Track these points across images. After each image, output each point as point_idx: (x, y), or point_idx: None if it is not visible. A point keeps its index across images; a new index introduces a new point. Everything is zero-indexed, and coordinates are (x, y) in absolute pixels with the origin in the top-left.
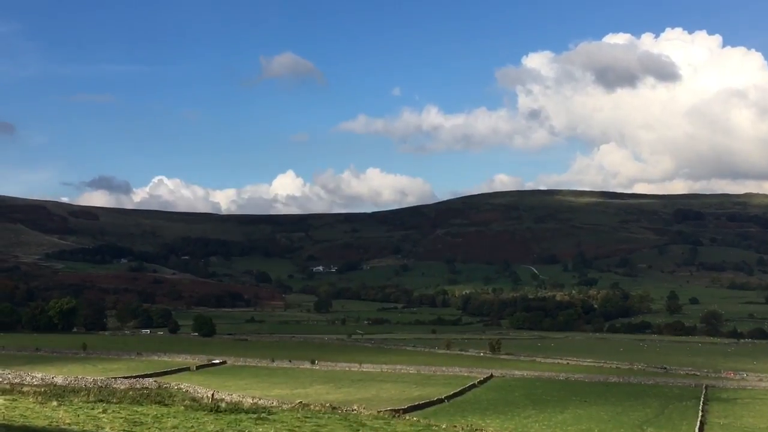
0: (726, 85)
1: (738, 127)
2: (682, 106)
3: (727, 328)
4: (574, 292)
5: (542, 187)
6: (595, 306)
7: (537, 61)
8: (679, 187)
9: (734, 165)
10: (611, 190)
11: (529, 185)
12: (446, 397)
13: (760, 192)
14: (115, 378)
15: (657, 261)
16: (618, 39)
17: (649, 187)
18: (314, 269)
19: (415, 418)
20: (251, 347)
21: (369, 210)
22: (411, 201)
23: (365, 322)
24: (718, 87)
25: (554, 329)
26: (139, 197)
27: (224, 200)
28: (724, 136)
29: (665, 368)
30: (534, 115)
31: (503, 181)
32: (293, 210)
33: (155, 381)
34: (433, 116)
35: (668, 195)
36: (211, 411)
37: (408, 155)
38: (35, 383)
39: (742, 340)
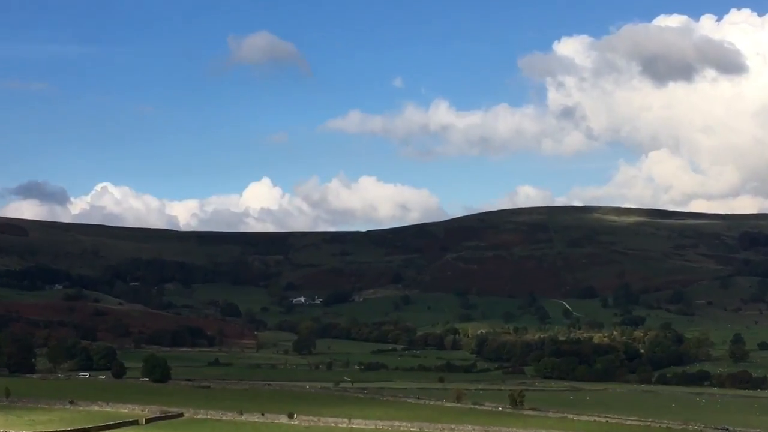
0: None
1: None
2: (749, 104)
3: None
4: (615, 333)
5: (577, 203)
6: (642, 351)
7: (571, 47)
8: (745, 204)
9: None
10: (662, 208)
11: (561, 200)
12: None
13: None
14: None
15: (718, 296)
16: (671, 21)
17: (710, 205)
18: (294, 301)
19: None
20: (215, 396)
21: (362, 228)
22: (414, 218)
23: (356, 367)
24: None
25: (591, 379)
26: (77, 208)
27: (184, 214)
28: None
29: (728, 430)
30: (567, 113)
31: (529, 195)
32: (269, 227)
33: None
34: (442, 113)
35: (733, 215)
36: None
37: (411, 161)
38: None
39: None
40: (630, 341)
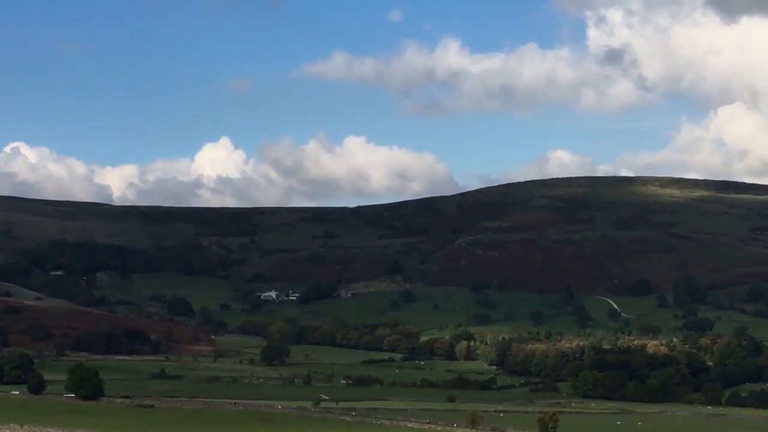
0: None
1: None
2: None
3: None
4: (675, 340)
5: (626, 173)
6: (710, 364)
7: None
8: None
9: None
10: (736, 180)
11: (605, 169)
12: None
13: None
14: None
15: None
16: None
17: None
18: (263, 296)
19: None
20: (160, 418)
21: (350, 203)
22: (416, 190)
23: (343, 381)
24: None
25: (644, 399)
26: None
27: (118, 183)
28: None
29: None
30: (613, 57)
31: (563, 162)
32: (228, 201)
33: None
34: (452, 56)
35: None
36: None
37: (412, 117)
38: None
39: None
40: (694, 351)
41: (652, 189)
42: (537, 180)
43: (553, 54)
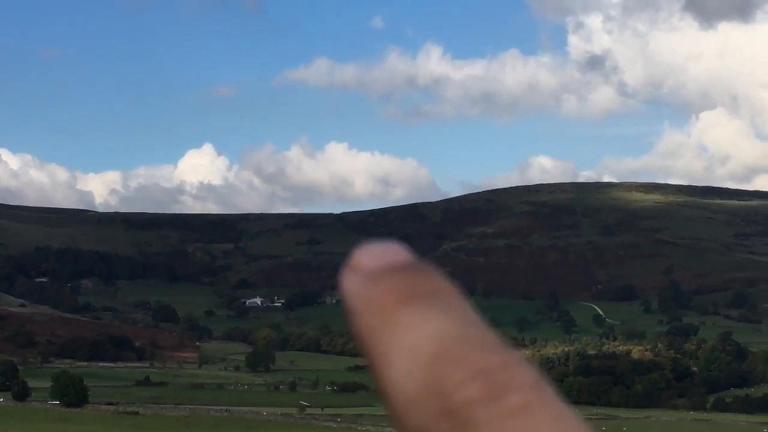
0: None
1: None
2: None
3: None
4: (660, 346)
5: (608, 178)
6: (695, 369)
7: None
8: None
9: None
10: (720, 185)
11: (587, 175)
12: None
13: None
14: None
15: None
16: None
17: None
18: (248, 302)
19: None
20: (145, 425)
21: (334, 209)
22: (399, 196)
23: (328, 387)
24: None
25: (629, 404)
26: None
27: (101, 190)
28: None
29: None
30: (594, 63)
31: (545, 168)
32: (210, 207)
33: None
34: (435, 63)
35: None
36: None
37: (394, 123)
38: None
39: None
40: (679, 356)
41: (637, 195)
42: (521, 186)
43: (534, 60)
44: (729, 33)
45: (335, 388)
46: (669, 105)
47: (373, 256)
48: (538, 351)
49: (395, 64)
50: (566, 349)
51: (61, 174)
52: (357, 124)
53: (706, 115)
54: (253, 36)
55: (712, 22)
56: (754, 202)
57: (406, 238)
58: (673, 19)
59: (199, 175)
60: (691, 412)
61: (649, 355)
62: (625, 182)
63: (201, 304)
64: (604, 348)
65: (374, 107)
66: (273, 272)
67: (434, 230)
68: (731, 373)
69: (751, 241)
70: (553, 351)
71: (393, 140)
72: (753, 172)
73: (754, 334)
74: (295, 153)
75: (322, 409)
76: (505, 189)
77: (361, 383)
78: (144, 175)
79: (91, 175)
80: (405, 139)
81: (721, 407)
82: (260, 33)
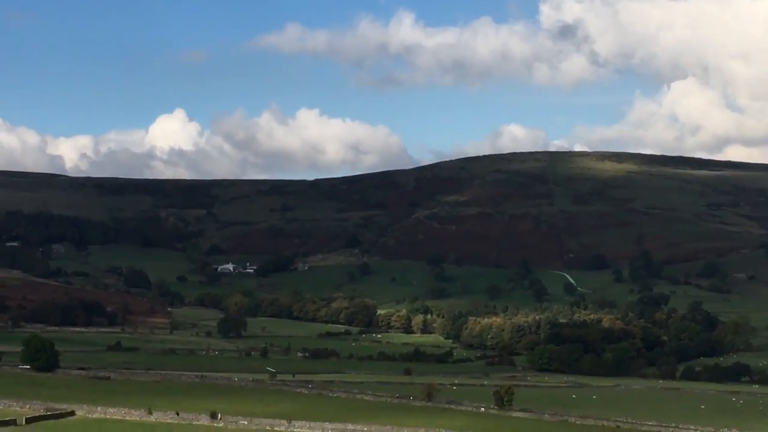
0: None
1: None
2: None
3: None
4: (631, 315)
5: (580, 147)
6: (664, 338)
7: None
8: None
9: None
10: (690, 155)
11: (559, 144)
12: None
13: None
14: None
15: (763, 269)
16: None
17: (749, 152)
18: (220, 268)
19: None
20: (116, 390)
21: (305, 176)
22: (371, 163)
23: (300, 354)
24: None
25: (599, 373)
26: None
27: (72, 154)
28: None
29: None
30: (566, 32)
31: (516, 137)
32: (182, 173)
33: None
34: (407, 30)
35: None
36: None
37: (365, 90)
38: None
39: None
40: (650, 325)
41: (608, 164)
42: (494, 154)
43: (506, 28)
44: (700, 3)
45: (307, 354)
46: (640, 75)
47: None
48: (510, 319)
49: (367, 31)
50: (537, 317)
51: (32, 138)
52: (328, 90)
53: (677, 85)
54: (225, 0)
55: None
56: (726, 172)
57: (379, 206)
58: None
59: (170, 141)
60: (661, 381)
61: (619, 324)
62: (596, 151)
63: (173, 270)
64: (575, 316)
65: (346, 74)
66: (245, 238)
67: (407, 198)
68: (701, 343)
69: (722, 211)
70: (524, 319)
71: (364, 107)
72: (724, 142)
73: (724, 304)
74: (266, 119)
75: (293, 376)
76: (477, 157)
77: (333, 350)
78: (115, 140)
79: (62, 139)
80: (376, 106)
81: (690, 376)
82: None
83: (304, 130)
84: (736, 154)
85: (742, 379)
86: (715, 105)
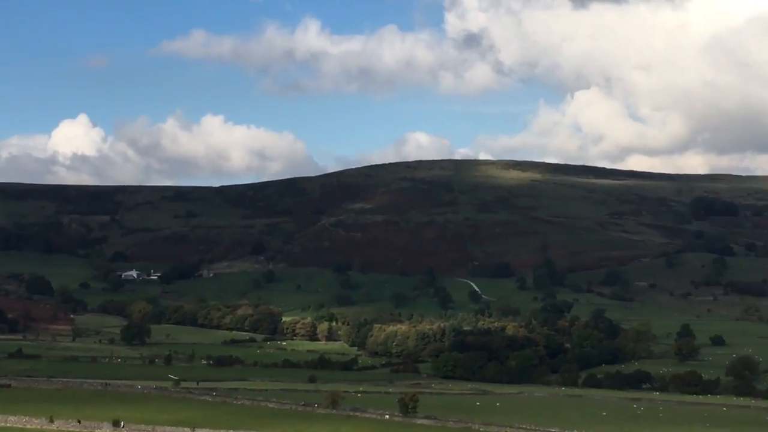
0: (763, 8)
1: None
2: (697, 37)
3: (767, 384)
4: (534, 322)
5: (484, 156)
6: (567, 345)
7: None
8: (696, 163)
9: None
10: (593, 164)
11: (464, 152)
12: None
13: None
14: None
15: (664, 277)
16: None
17: (652, 162)
18: (123, 275)
19: None
20: (17, 398)
21: (210, 183)
22: (277, 170)
23: (204, 361)
24: (752, 11)
25: (503, 380)
26: None
27: None
28: (764, 86)
29: None
30: (471, 41)
31: (422, 145)
32: (86, 178)
33: None
34: (313, 37)
35: (682, 175)
36: None
37: (271, 97)
38: None
39: None
40: (553, 333)
41: (513, 173)
42: (400, 162)
43: (412, 37)
44: (602, 14)
45: (211, 362)
46: (544, 84)
47: None
48: (415, 327)
49: (273, 37)
50: (442, 324)
51: None
52: (234, 97)
53: (580, 95)
54: (129, 5)
55: (585, 2)
56: (628, 182)
57: (284, 213)
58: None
59: (73, 146)
60: (563, 388)
61: (523, 331)
62: (501, 160)
63: (76, 277)
64: (480, 324)
65: (251, 81)
66: (149, 245)
67: (313, 205)
68: (603, 350)
69: (624, 220)
70: (429, 327)
71: (270, 114)
72: (626, 151)
73: (626, 312)
74: (170, 125)
75: (197, 383)
76: (383, 165)
77: (237, 357)
78: (17, 144)
79: None
80: (282, 113)
81: (592, 383)
82: (137, 2)
83: (209, 136)
84: (638, 163)
85: (643, 386)
86: (617, 115)
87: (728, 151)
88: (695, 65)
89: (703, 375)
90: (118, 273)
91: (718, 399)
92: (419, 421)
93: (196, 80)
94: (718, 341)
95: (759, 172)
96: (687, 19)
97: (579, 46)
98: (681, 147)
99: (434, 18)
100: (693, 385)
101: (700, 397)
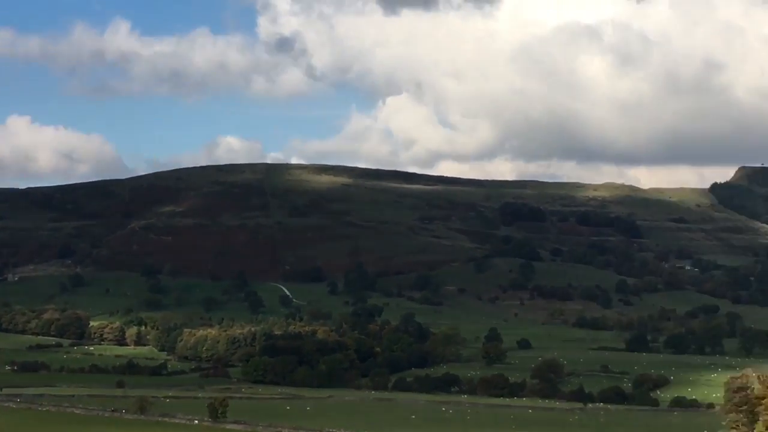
0: (569, 18)
1: (589, 82)
2: (505, 45)
3: (571, 386)
4: (345, 326)
5: (297, 160)
6: (378, 349)
7: None
8: (505, 169)
9: (586, 140)
10: (405, 169)
11: (275, 156)
12: None
13: (624, 182)
14: None
15: (473, 282)
16: None
17: (462, 168)
18: None
19: None
20: None
21: (18, 184)
22: (84, 172)
23: (8, 367)
24: (558, 20)
25: (313, 384)
26: None
27: None
28: (569, 94)
29: None
30: (283, 46)
31: (234, 148)
32: None
33: None
34: (123, 38)
35: (491, 181)
36: None
37: (79, 98)
38: None
39: (590, 405)
40: (363, 337)
41: (325, 177)
42: (211, 165)
43: (224, 40)
44: (413, 20)
45: (15, 367)
46: (356, 89)
47: None
48: (225, 331)
49: (82, 37)
50: (253, 329)
51: None
52: (41, 97)
53: (392, 101)
54: None
55: (396, 9)
56: (438, 187)
57: (93, 216)
58: (358, 4)
59: None
60: (373, 392)
61: (333, 335)
62: (313, 164)
63: None
64: (291, 328)
65: (59, 81)
66: None
67: (122, 208)
68: (413, 354)
69: (434, 225)
70: (239, 331)
71: (78, 115)
72: (437, 157)
73: (436, 316)
74: None
75: (1, 390)
76: (194, 168)
77: (43, 362)
78: None
79: None
80: (91, 114)
81: (402, 386)
82: None
83: (15, 136)
84: (448, 169)
85: (452, 390)
86: (427, 121)
87: (535, 158)
88: (504, 73)
89: (509, 378)
90: None
91: (524, 401)
92: (229, 426)
93: (1, 80)
94: (524, 345)
95: (564, 179)
96: (496, 28)
97: (391, 52)
98: (490, 153)
99: (247, 21)
100: (500, 387)
101: (507, 399)
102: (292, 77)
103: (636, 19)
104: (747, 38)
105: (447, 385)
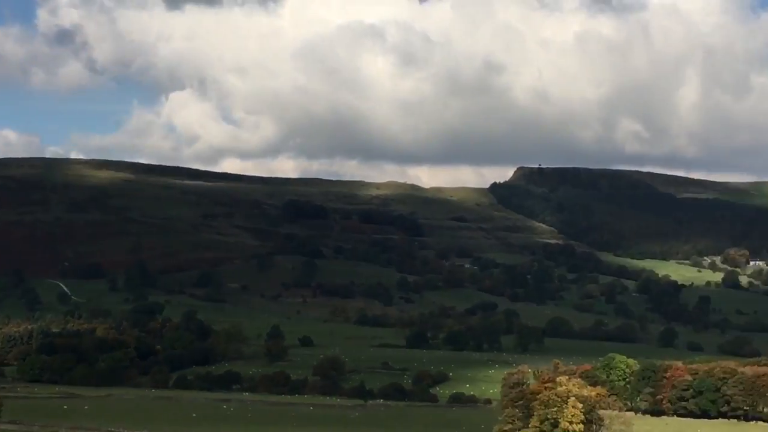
0: (353, 17)
1: (372, 81)
2: (289, 42)
3: (352, 383)
4: (125, 324)
5: (77, 155)
6: (158, 347)
7: None
8: (289, 167)
9: (369, 138)
10: (187, 166)
11: (55, 150)
12: None
13: (406, 181)
14: None
15: (255, 279)
16: None
17: (245, 165)
18: None
19: None
20: None
21: None
22: None
23: None
24: (342, 19)
25: (92, 383)
26: None
27: None
28: (352, 93)
29: None
30: (63, 38)
31: (10, 141)
32: None
33: None
34: None
35: (274, 178)
36: None
37: None
38: None
39: (370, 402)
40: (143, 334)
41: (106, 173)
42: None
43: (1, 30)
44: (197, 16)
45: None
46: (139, 84)
47: None
48: (1, 329)
49: None
50: (29, 327)
51: None
52: None
53: (175, 96)
54: None
55: (179, 4)
56: (222, 184)
57: None
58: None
59: None
60: (154, 390)
61: (113, 333)
62: (93, 159)
63: None
64: (69, 326)
65: None
66: None
67: None
68: (194, 351)
69: (218, 222)
70: (15, 329)
71: None
72: (220, 153)
73: (218, 313)
74: None
75: None
76: None
77: None
78: None
79: None
80: None
81: (183, 384)
82: None
83: None
84: (231, 166)
85: (233, 387)
86: (211, 117)
87: (319, 156)
88: (287, 70)
89: (291, 375)
90: None
91: (306, 398)
92: (4, 426)
93: None
94: (306, 342)
95: (347, 177)
96: (280, 25)
97: (174, 47)
98: (274, 151)
99: (25, 12)
100: (282, 385)
101: (289, 396)
102: (73, 70)
103: (419, 20)
104: (525, 41)
105: (228, 382)
